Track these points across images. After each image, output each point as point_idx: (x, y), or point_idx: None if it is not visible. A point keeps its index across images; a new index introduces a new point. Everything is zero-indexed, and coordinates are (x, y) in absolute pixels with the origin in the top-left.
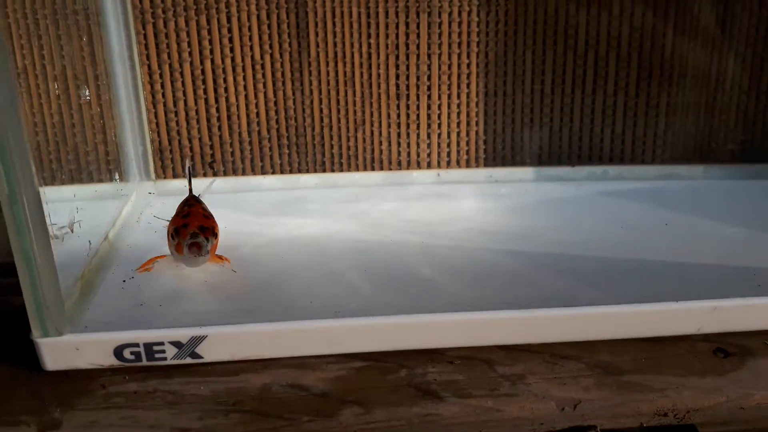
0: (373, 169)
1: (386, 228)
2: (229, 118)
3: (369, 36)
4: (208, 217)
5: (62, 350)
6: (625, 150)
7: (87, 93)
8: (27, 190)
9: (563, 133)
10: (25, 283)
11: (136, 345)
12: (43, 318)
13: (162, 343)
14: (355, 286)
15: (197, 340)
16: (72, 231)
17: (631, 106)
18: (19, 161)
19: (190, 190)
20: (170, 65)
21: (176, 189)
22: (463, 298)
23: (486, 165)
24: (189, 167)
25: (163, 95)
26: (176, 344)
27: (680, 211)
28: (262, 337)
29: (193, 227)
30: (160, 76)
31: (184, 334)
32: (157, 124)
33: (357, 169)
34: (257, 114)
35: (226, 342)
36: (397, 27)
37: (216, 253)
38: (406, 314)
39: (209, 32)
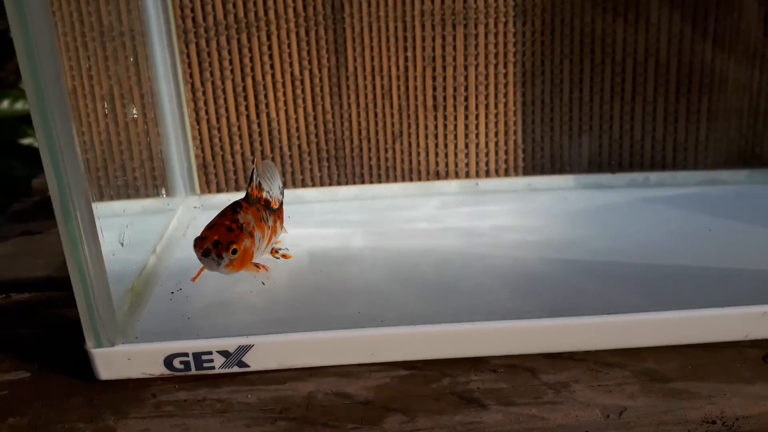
0: (411, 179)
1: (426, 238)
2: (270, 132)
3: (405, 49)
4: (233, 230)
5: (115, 360)
6: (667, 156)
7: (134, 111)
8: (80, 205)
9: (603, 141)
10: (79, 295)
11: (186, 355)
12: (96, 329)
13: (210, 353)
14: (398, 296)
15: (244, 350)
16: (122, 245)
17: (671, 111)
18: (73, 178)
19: (247, 194)
20: (213, 83)
21: (221, 203)
22: (505, 307)
23: (525, 173)
24: (253, 169)
25: (206, 112)
26: (224, 353)
27: (724, 217)
28: (307, 345)
29: (208, 242)
30: (203, 93)
31: (231, 343)
32: (201, 140)
33: (395, 180)
34: (297, 128)
35: (272, 351)
36: (433, 40)
37: (257, 262)
38: (448, 323)
39: (250, 50)
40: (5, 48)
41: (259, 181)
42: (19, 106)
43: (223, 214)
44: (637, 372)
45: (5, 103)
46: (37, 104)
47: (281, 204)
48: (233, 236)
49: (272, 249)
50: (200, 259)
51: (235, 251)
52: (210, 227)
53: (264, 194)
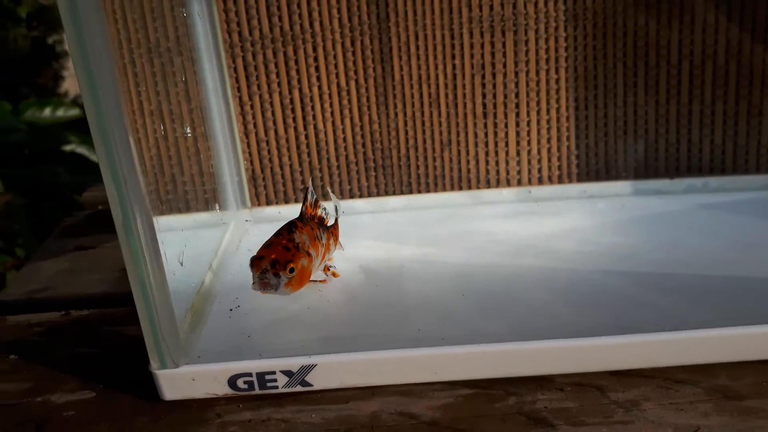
0: (460, 188)
1: (480, 249)
2: (317, 144)
3: (453, 57)
4: (290, 249)
5: (179, 381)
6: (726, 160)
7: (188, 129)
8: (142, 220)
9: (659, 145)
10: (143, 315)
11: (249, 375)
12: (160, 350)
13: (274, 372)
14: (457, 311)
15: (307, 369)
16: (182, 264)
17: (730, 114)
18: (134, 193)
19: (301, 213)
20: (260, 96)
21: (271, 216)
22: (568, 322)
23: (579, 180)
24: (307, 188)
25: (255, 125)
26: (287, 373)
27: None
28: (370, 365)
29: (266, 262)
30: (251, 107)
31: (294, 363)
32: (250, 154)
33: (444, 189)
34: (344, 139)
35: (335, 370)
36: (482, 47)
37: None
38: (514, 341)
39: (296, 62)
40: (43, 55)
41: (315, 199)
42: (61, 113)
43: (279, 234)
44: (709, 389)
45: (47, 111)
46: (96, 118)
47: (336, 221)
48: (290, 255)
49: (325, 266)
50: (256, 280)
51: (292, 270)
52: (267, 246)
53: (319, 211)
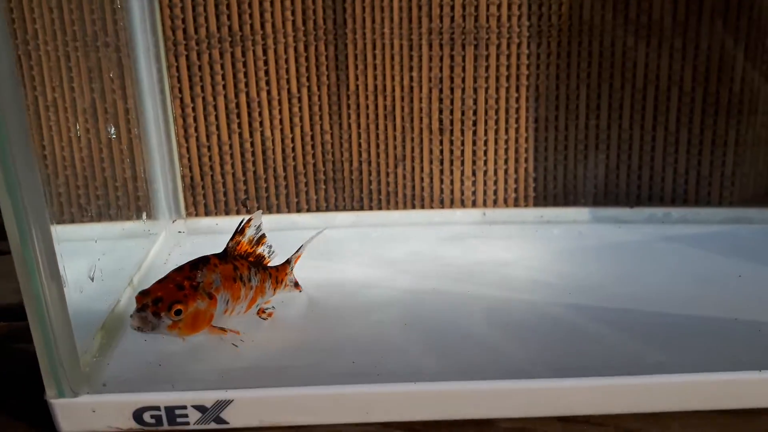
0: (413, 207)
1: (429, 274)
2: (263, 152)
3: (411, 69)
4: (183, 288)
5: (78, 412)
6: (689, 191)
7: (113, 130)
8: (40, 232)
9: (621, 171)
10: (38, 337)
11: (157, 408)
12: (57, 376)
13: (185, 407)
14: (398, 343)
15: (223, 404)
16: (92, 279)
17: (695, 143)
18: (31, 199)
19: (226, 247)
20: (203, 98)
21: (207, 227)
22: (515, 360)
23: (536, 204)
24: (242, 219)
25: (196, 129)
26: (200, 408)
27: (753, 260)
28: (293, 402)
29: (148, 298)
30: (193, 109)
31: (208, 397)
32: (189, 159)
33: (396, 206)
34: (293, 149)
35: (254, 407)
36: (441, 60)
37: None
38: (453, 380)
39: (245, 65)
40: None
41: (261, 235)
42: None
43: (180, 269)
44: None
45: None
46: None
47: (288, 262)
48: (180, 295)
49: (259, 309)
50: (132, 316)
51: (179, 312)
52: (160, 281)
53: (261, 249)
